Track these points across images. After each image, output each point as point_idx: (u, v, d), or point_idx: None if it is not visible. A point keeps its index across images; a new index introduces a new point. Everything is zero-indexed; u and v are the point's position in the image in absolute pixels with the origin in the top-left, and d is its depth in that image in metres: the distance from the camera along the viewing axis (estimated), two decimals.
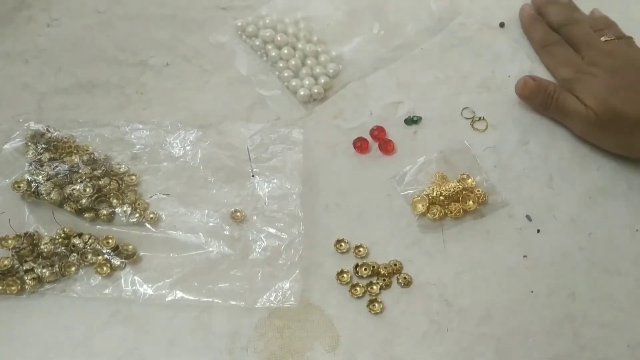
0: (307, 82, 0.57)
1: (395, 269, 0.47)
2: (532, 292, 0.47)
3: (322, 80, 0.58)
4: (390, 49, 0.61)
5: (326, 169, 0.53)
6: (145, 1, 0.64)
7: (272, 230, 0.49)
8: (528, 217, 0.50)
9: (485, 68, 0.60)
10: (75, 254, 0.47)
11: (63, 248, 0.47)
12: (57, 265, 0.46)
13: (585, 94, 0.52)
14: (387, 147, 0.54)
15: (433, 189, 0.50)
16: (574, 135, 0.55)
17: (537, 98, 0.55)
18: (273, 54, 0.59)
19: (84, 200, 0.49)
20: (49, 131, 0.53)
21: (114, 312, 0.45)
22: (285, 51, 0.59)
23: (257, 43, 0.60)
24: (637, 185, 0.52)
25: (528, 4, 0.63)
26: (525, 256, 0.48)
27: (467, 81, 0.59)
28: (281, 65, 0.59)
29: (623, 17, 0.60)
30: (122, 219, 0.49)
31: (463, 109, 0.57)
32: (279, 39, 0.59)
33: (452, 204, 0.50)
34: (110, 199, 0.49)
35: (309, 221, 0.49)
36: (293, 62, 0.58)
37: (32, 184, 0.49)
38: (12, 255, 0.46)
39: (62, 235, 0.47)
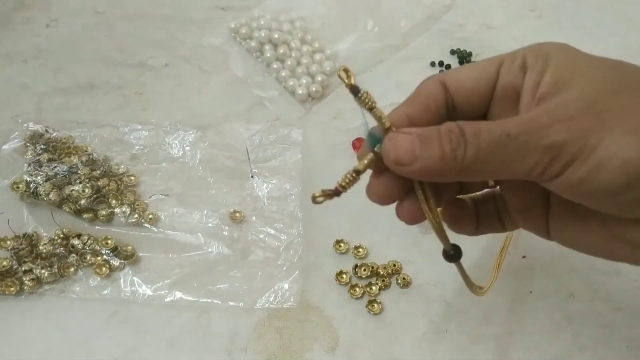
0: (304, 81, 0.57)
1: (394, 270, 0.47)
2: (531, 292, 0.47)
3: (319, 79, 0.58)
4: (385, 44, 0.61)
5: (325, 169, 0.53)
6: (144, 1, 0.64)
7: (272, 231, 0.49)
8: None
9: None
10: (74, 255, 0.47)
11: (62, 249, 0.47)
12: (56, 266, 0.46)
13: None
14: None
15: None
16: None
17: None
18: (268, 54, 0.59)
19: (83, 201, 0.49)
20: (47, 132, 0.53)
21: (113, 312, 0.45)
22: (281, 51, 0.59)
23: (252, 44, 0.60)
24: None
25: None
26: (524, 256, 0.48)
27: None
28: (276, 66, 0.59)
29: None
30: (121, 219, 0.49)
31: None
32: (275, 36, 0.59)
33: None
34: (109, 200, 0.49)
35: (308, 222, 0.49)
36: (289, 62, 0.58)
37: (31, 185, 0.49)
38: (11, 256, 0.46)
39: (61, 235, 0.47)
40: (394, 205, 0.36)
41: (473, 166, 0.27)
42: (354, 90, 0.28)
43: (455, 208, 0.35)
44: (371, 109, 0.28)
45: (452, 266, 0.47)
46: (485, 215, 0.35)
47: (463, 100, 0.30)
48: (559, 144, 0.26)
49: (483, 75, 0.30)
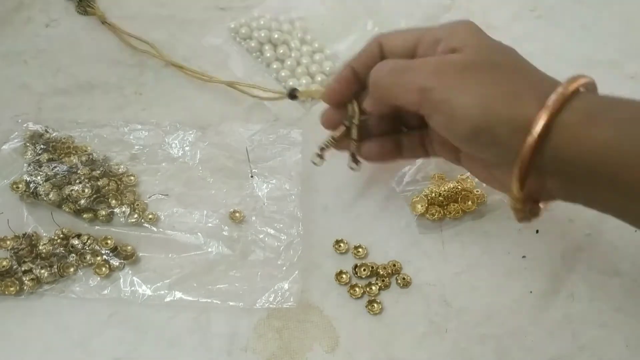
0: (304, 81, 0.57)
1: (394, 270, 0.47)
2: (531, 292, 0.47)
3: (319, 79, 0.58)
4: None
5: (325, 169, 0.53)
6: (144, 1, 0.64)
7: (271, 231, 0.49)
8: None
9: None
10: (73, 255, 0.47)
11: (62, 249, 0.47)
12: (55, 266, 0.46)
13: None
14: None
15: (432, 189, 0.50)
16: None
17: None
18: (268, 54, 0.59)
19: (82, 201, 0.49)
20: (47, 132, 0.53)
21: (113, 312, 0.45)
22: (281, 51, 0.59)
23: (252, 44, 0.60)
24: None
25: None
26: (524, 256, 0.48)
27: None
28: (275, 66, 0.59)
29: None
30: (121, 219, 0.49)
31: None
32: (275, 36, 0.59)
33: (451, 204, 0.50)
34: (109, 200, 0.49)
35: (308, 222, 0.49)
36: (289, 62, 0.58)
37: (31, 185, 0.49)
38: (11, 256, 0.46)
39: (61, 235, 0.47)
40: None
41: (378, 91, 0.39)
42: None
43: (384, 140, 0.45)
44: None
45: (452, 266, 0.48)
46: (409, 145, 0.45)
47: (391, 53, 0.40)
48: (429, 88, 0.35)
49: (408, 45, 0.39)
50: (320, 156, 0.46)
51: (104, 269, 0.46)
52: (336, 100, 0.44)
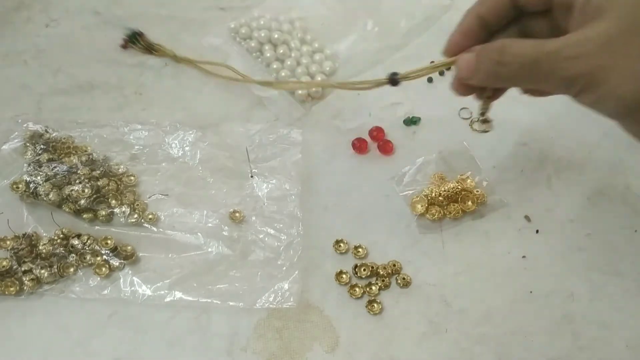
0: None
1: (394, 270, 0.47)
2: (531, 292, 0.47)
3: (319, 79, 0.58)
4: (385, 44, 0.61)
5: (325, 169, 0.53)
6: (144, 1, 0.64)
7: (271, 231, 0.49)
8: (527, 218, 0.50)
9: None
10: (73, 255, 0.47)
11: (62, 249, 0.47)
12: (55, 266, 0.46)
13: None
14: (386, 147, 0.54)
15: (432, 189, 0.50)
16: (572, 136, 0.55)
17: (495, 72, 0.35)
18: (268, 54, 0.59)
19: (82, 201, 0.49)
20: (47, 132, 0.53)
21: (113, 312, 0.45)
22: (281, 51, 0.59)
23: (252, 44, 0.60)
24: (635, 186, 0.52)
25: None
26: (524, 257, 0.48)
27: None
28: (275, 66, 0.59)
29: None
30: (121, 219, 0.49)
31: (461, 109, 0.57)
32: (275, 36, 0.59)
33: (451, 204, 0.50)
34: (109, 200, 0.49)
35: (308, 222, 0.49)
36: (289, 62, 0.58)
37: (31, 185, 0.49)
38: (11, 256, 0.46)
39: (61, 236, 0.47)
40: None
41: (510, 81, 0.35)
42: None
43: None
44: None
45: (452, 266, 0.48)
46: None
47: (527, 1, 0.36)
48: (573, 77, 0.31)
49: None
50: (486, 120, 0.43)
51: (104, 269, 0.46)
52: (458, 53, 0.37)
